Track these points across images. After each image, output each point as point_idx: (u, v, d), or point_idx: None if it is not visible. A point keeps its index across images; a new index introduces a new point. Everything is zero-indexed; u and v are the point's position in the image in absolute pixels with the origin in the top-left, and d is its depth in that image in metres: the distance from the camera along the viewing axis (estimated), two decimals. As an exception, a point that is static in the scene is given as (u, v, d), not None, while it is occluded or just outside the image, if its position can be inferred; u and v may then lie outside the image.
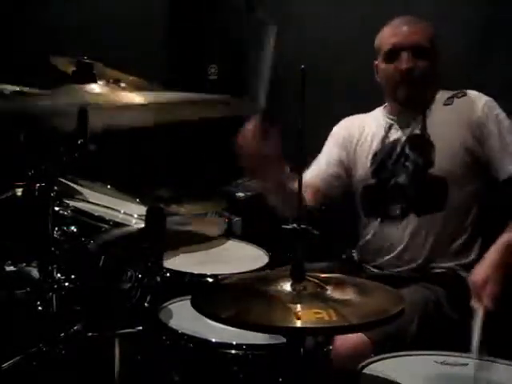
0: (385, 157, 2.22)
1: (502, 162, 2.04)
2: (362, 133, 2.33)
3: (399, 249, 2.15)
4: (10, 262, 2.12)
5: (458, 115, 2.11)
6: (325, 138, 2.80)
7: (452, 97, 2.16)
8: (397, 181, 2.17)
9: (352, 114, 2.51)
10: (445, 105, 2.15)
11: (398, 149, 2.19)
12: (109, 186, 2.47)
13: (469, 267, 1.99)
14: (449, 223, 2.11)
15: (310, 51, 3.29)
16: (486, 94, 2.38)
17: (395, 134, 2.23)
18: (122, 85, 1.95)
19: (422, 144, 2.14)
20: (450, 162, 2.09)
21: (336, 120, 3.21)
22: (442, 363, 1.61)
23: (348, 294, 1.43)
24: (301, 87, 1.44)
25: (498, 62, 2.76)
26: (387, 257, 2.18)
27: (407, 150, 2.17)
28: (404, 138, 2.19)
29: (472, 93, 2.15)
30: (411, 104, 2.20)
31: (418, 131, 2.16)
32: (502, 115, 2.09)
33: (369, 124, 2.33)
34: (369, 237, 2.24)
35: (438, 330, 1.97)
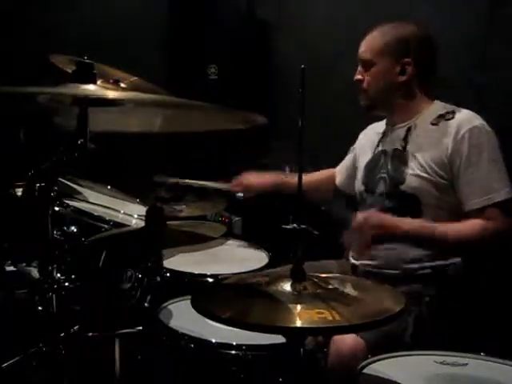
0: (372, 166, 2.26)
1: (465, 197, 2.03)
2: (367, 140, 2.40)
3: (381, 255, 2.15)
4: (9, 261, 2.12)
5: (438, 139, 2.08)
6: (324, 138, 2.81)
7: (441, 117, 2.12)
8: (378, 191, 2.20)
9: (351, 114, 2.51)
10: (432, 124, 2.13)
11: (382, 160, 2.22)
12: (109, 187, 2.47)
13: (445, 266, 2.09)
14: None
15: (310, 51, 3.29)
16: (486, 94, 2.38)
17: (384, 144, 2.26)
18: (122, 85, 1.95)
19: (398, 160, 2.16)
20: (420, 182, 2.08)
21: (335, 120, 3.22)
22: (441, 363, 1.61)
23: (348, 294, 1.43)
24: (301, 87, 1.44)
25: (497, 62, 2.76)
26: (372, 262, 2.18)
27: (388, 164, 2.19)
28: (389, 150, 2.21)
29: (460, 116, 2.10)
30: (375, 112, 2.27)
31: (399, 146, 2.17)
32: (476, 149, 2.02)
33: (374, 131, 2.37)
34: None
35: (433, 331, 1.97)
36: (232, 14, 3.58)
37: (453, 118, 2.10)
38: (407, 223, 2.07)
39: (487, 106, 2.67)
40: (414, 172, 2.09)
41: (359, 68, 2.23)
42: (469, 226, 2.02)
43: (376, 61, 2.17)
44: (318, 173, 2.67)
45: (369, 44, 2.19)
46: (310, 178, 2.60)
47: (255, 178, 2.69)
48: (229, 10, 3.59)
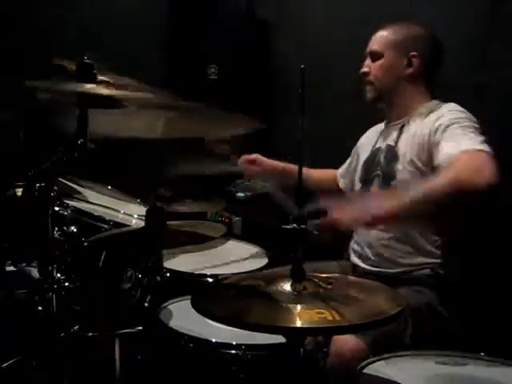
0: (368, 164, 2.28)
1: (439, 152, 1.98)
2: (368, 139, 2.42)
3: (375, 252, 2.17)
4: (9, 261, 2.12)
5: (422, 131, 2.09)
6: (324, 138, 2.81)
7: (432, 111, 2.13)
8: (373, 188, 2.21)
9: (351, 114, 2.52)
10: (421, 119, 2.15)
11: (377, 158, 2.24)
12: (109, 187, 2.47)
13: (443, 267, 2.07)
14: (415, 232, 2.11)
15: (310, 51, 3.29)
16: (486, 94, 2.38)
17: (380, 142, 2.28)
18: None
19: (390, 156, 2.17)
20: (409, 176, 2.08)
21: (336, 120, 3.22)
22: (441, 363, 1.61)
23: (348, 294, 1.43)
24: (301, 87, 1.44)
25: (498, 62, 2.76)
26: (368, 260, 2.20)
27: (382, 160, 2.21)
28: (383, 147, 2.23)
29: (443, 108, 2.12)
30: (381, 105, 2.27)
31: (392, 142, 2.18)
32: (453, 117, 2.02)
33: (375, 131, 2.39)
34: (355, 238, 2.28)
35: (433, 331, 1.97)
36: (232, 14, 3.58)
37: (438, 109, 2.12)
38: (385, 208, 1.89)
39: (487, 106, 2.67)
40: (405, 168, 2.11)
41: (367, 61, 2.26)
42: (441, 177, 1.88)
43: (384, 53, 2.21)
44: (319, 171, 2.65)
45: (378, 38, 2.24)
46: (312, 174, 2.58)
47: (265, 159, 2.61)
48: (229, 9, 3.59)
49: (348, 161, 2.58)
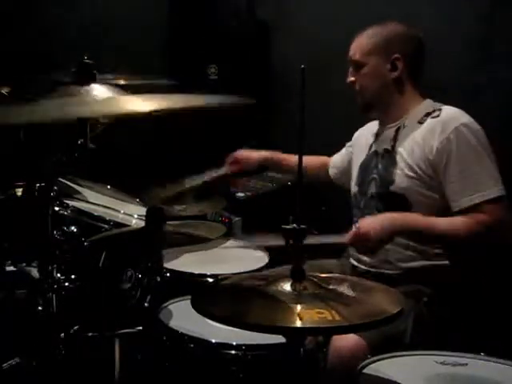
0: (365, 167, 2.26)
1: (453, 196, 2.01)
2: (361, 140, 2.39)
3: (375, 256, 2.14)
4: (9, 261, 2.12)
5: (424, 137, 2.07)
6: (324, 138, 2.81)
7: (427, 115, 2.10)
8: (370, 193, 2.20)
9: (351, 114, 2.51)
10: (419, 122, 2.11)
11: (374, 161, 2.22)
12: (109, 187, 2.47)
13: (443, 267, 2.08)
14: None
15: (310, 51, 3.30)
16: (486, 94, 2.37)
17: (376, 145, 2.26)
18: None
19: (388, 160, 2.15)
20: (409, 182, 2.07)
21: (335, 120, 3.22)
22: (441, 363, 1.61)
23: (348, 294, 1.43)
24: (301, 87, 1.44)
25: (498, 62, 2.76)
26: (366, 264, 2.19)
27: (379, 164, 2.19)
28: (380, 151, 2.21)
29: (445, 115, 2.08)
30: (372, 113, 2.27)
31: (389, 146, 2.17)
32: (464, 146, 2.00)
33: (369, 131, 2.36)
34: None
35: (433, 331, 1.97)
36: (232, 14, 3.58)
37: (438, 116, 2.08)
38: (401, 221, 2.02)
39: (487, 107, 2.67)
40: (403, 172, 2.08)
41: (350, 70, 2.23)
42: (463, 224, 1.97)
43: (366, 61, 2.17)
44: (312, 157, 2.62)
45: (357, 46, 2.21)
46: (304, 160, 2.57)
47: (249, 153, 2.67)
48: (229, 9, 3.59)
49: (343, 151, 2.57)
